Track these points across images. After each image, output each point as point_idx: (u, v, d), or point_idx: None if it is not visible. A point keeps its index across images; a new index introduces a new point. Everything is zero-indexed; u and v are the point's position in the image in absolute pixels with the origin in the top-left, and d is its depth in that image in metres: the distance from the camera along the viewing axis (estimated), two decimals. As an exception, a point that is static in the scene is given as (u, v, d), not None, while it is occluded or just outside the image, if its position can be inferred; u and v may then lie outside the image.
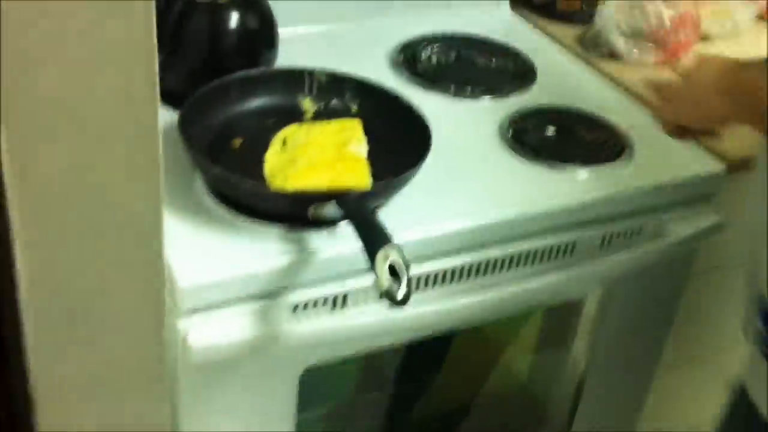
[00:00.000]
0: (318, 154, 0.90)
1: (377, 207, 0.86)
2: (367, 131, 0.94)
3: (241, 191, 0.84)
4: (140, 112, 0.58)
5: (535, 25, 1.33)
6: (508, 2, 1.35)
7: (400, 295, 0.70)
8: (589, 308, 1.06)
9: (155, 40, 0.57)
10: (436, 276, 0.89)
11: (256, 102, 0.99)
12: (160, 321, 0.65)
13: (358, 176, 0.86)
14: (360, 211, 0.80)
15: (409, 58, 1.17)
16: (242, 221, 0.83)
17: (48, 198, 0.59)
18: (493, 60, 1.20)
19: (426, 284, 0.89)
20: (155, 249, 0.63)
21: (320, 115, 0.99)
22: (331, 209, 0.81)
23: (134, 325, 0.65)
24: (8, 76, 0.54)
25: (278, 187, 0.85)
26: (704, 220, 1.02)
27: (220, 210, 0.84)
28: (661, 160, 1.03)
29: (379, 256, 0.72)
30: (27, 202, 0.58)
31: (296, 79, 1.01)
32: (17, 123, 0.56)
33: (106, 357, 0.66)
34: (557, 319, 1.09)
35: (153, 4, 0.57)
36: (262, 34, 1.06)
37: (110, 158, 0.59)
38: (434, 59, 1.19)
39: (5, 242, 0.60)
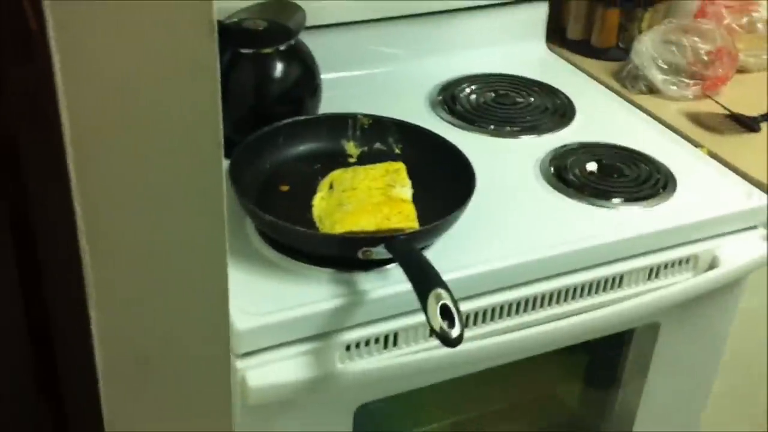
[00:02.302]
0: (365, 197, 0.92)
1: (424, 248, 0.88)
2: (411, 173, 0.96)
3: (292, 237, 0.86)
4: (206, 173, 0.61)
5: (571, 62, 1.35)
6: (543, 40, 1.38)
7: (453, 335, 0.71)
8: (638, 340, 1.06)
9: (220, 105, 0.60)
10: (484, 312, 0.90)
11: (301, 148, 1.01)
12: (227, 367, 0.67)
13: (405, 218, 0.88)
14: (409, 253, 0.81)
15: (448, 99, 1.20)
16: (293, 265, 0.85)
17: (121, 257, 0.61)
18: (532, 98, 1.21)
19: (474, 321, 0.90)
20: (221, 300, 0.66)
21: (365, 159, 1.01)
22: (380, 252, 0.82)
23: (203, 372, 0.67)
24: (81, 149, 0.57)
25: (327, 230, 0.87)
26: (752, 250, 1.02)
27: (272, 254, 0.87)
28: (704, 193, 1.03)
29: (431, 297, 0.74)
30: (101, 263, 0.61)
31: (340, 124, 1.03)
32: (91, 193, 0.59)
33: (177, 402, 0.68)
34: (607, 350, 1.08)
35: (218, 70, 0.59)
36: (306, 82, 1.09)
37: (179, 218, 0.62)
38: (473, 99, 1.21)
39: (82, 300, 0.63)
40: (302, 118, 1.03)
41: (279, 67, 1.05)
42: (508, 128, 1.14)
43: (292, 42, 1.06)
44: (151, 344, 0.65)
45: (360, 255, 0.83)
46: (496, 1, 1.31)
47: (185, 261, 0.63)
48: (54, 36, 0.54)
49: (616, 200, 1.00)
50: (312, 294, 0.82)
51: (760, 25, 1.32)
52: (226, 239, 0.64)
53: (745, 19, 1.32)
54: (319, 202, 0.93)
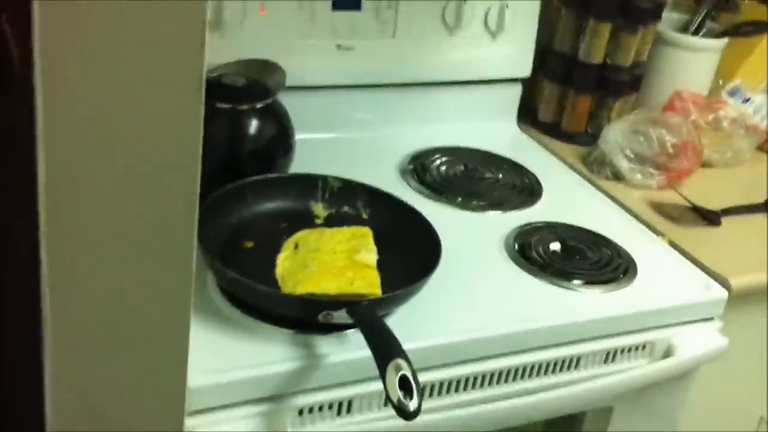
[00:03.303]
0: (329, 259, 0.91)
1: (386, 315, 0.87)
2: (378, 239, 0.96)
3: (253, 295, 0.85)
4: (180, 227, 0.61)
5: (541, 143, 1.37)
6: (515, 119, 1.41)
7: (411, 408, 0.71)
8: (590, 421, 1.05)
9: (200, 159, 0.60)
10: (441, 384, 0.89)
11: (269, 205, 1.01)
12: (180, 426, 0.65)
13: (369, 284, 0.88)
14: (370, 319, 0.81)
15: (419, 169, 1.21)
16: (252, 323, 0.84)
17: (84, 305, 0.60)
18: (500, 174, 1.23)
19: (431, 393, 0.89)
20: (181, 358, 0.64)
21: (332, 221, 1.01)
22: (341, 316, 0.82)
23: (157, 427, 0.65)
24: (54, 191, 0.56)
25: (289, 290, 0.86)
26: (708, 341, 1.03)
27: (231, 311, 0.85)
28: (663, 282, 1.05)
29: (390, 367, 0.73)
30: (62, 309, 0.59)
31: (309, 184, 1.03)
32: (59, 235, 0.58)
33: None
34: (559, 430, 1.08)
35: (201, 126, 0.59)
36: (280, 141, 1.09)
37: (147, 269, 0.61)
38: (443, 170, 1.22)
39: (36, 348, 0.61)
40: (272, 175, 1.03)
41: (254, 124, 1.06)
42: (475, 202, 1.15)
43: (270, 101, 1.07)
44: (106, 399, 0.63)
45: (320, 318, 0.82)
46: (472, 79, 1.34)
47: (149, 314, 0.62)
48: (40, 75, 0.53)
49: (576, 282, 1.01)
50: (269, 354, 0.81)
51: (725, 123, 1.36)
52: (191, 296, 0.63)
53: (711, 116, 1.36)
54: (282, 261, 0.92)
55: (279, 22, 1.17)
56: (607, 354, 0.98)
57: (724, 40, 1.41)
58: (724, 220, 1.20)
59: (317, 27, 1.19)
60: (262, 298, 0.85)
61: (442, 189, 1.17)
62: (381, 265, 0.92)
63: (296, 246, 0.95)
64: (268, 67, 1.15)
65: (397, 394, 0.71)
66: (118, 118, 0.57)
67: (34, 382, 0.61)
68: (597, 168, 1.28)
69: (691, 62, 1.41)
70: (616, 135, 1.27)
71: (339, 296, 0.86)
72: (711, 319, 1.05)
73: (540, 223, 1.12)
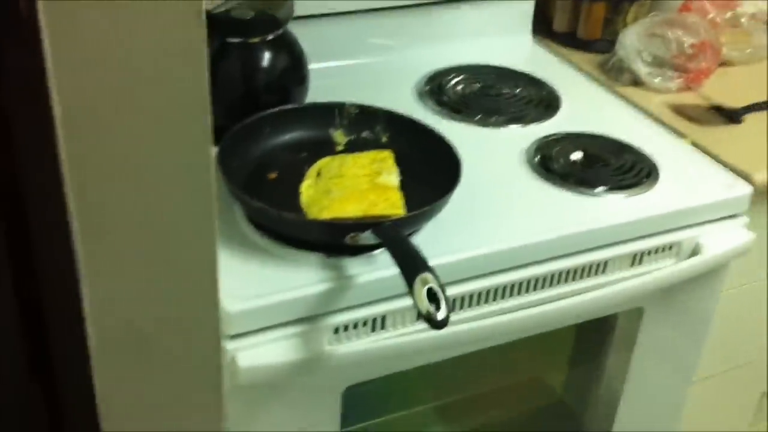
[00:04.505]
0: (352, 184, 0.93)
1: (411, 233, 0.89)
2: (398, 161, 0.97)
3: (281, 222, 0.87)
4: (195, 158, 0.62)
5: (557, 54, 1.36)
6: (530, 32, 1.39)
7: (439, 317, 0.73)
8: (622, 324, 1.07)
9: (208, 93, 0.61)
10: (471, 297, 0.91)
11: (289, 136, 1.02)
12: (217, 348, 0.68)
13: (392, 205, 0.89)
14: (396, 238, 0.82)
15: (436, 89, 1.21)
16: (282, 250, 0.86)
17: (112, 237, 0.62)
18: (518, 89, 1.23)
19: (461, 305, 0.91)
20: (212, 282, 0.66)
21: (352, 147, 1.02)
22: (367, 237, 0.83)
23: (194, 353, 0.68)
24: (71, 131, 0.58)
25: (315, 216, 0.88)
26: (734, 237, 1.04)
27: (261, 240, 0.87)
28: (687, 183, 1.05)
29: (417, 281, 0.75)
30: (92, 242, 0.61)
31: (327, 113, 1.04)
32: (81, 174, 0.59)
33: (169, 382, 0.69)
34: (591, 334, 1.10)
35: (206, 57, 0.60)
36: (293, 71, 1.09)
37: (168, 199, 0.63)
38: (460, 89, 1.22)
39: (74, 277, 0.63)
40: (289, 107, 1.04)
41: (266, 57, 1.06)
42: (494, 118, 1.15)
43: (280, 32, 1.06)
44: (143, 323, 0.66)
45: (348, 240, 0.84)
46: (484, -6, 1.32)
47: (175, 241, 0.64)
48: (45, 23, 0.55)
49: (600, 189, 1.01)
50: (301, 278, 0.83)
51: (743, 20, 1.34)
52: (215, 222, 0.65)
53: (729, 14, 1.33)
54: (306, 189, 0.94)
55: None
56: (634, 257, 0.99)
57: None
58: (746, 117, 1.19)
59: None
60: (289, 225, 0.86)
61: (460, 108, 1.17)
62: (404, 187, 0.94)
63: (319, 173, 0.97)
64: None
65: (425, 305, 0.73)
66: (124, 58, 0.58)
67: (75, 313, 0.64)
68: (615, 75, 1.27)
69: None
70: (632, 40, 1.25)
71: (364, 219, 0.87)
72: (736, 215, 1.06)
73: (560, 134, 1.12)
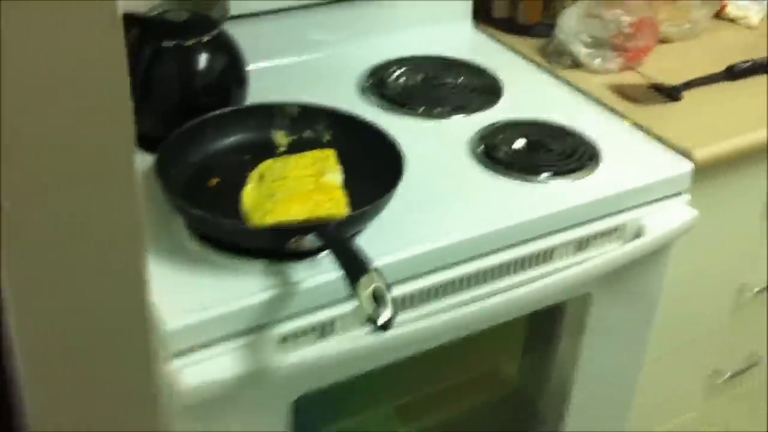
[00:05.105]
0: (295, 186, 0.91)
1: (357, 234, 0.88)
2: (342, 159, 0.96)
3: (221, 230, 0.85)
4: (118, 162, 0.61)
5: (498, 41, 1.36)
6: (470, 20, 1.38)
7: (382, 321, 0.72)
8: (572, 310, 1.08)
9: (129, 91, 0.59)
10: (420, 294, 0.91)
11: (230, 140, 1.01)
12: (152, 367, 0.67)
13: (335, 205, 0.88)
14: (339, 240, 0.81)
15: (377, 83, 1.20)
16: (224, 259, 0.85)
17: (35, 248, 0.60)
18: (460, 78, 1.22)
19: (411, 303, 0.90)
20: (141, 296, 0.65)
21: (294, 148, 1.00)
22: (310, 240, 0.83)
23: (128, 372, 0.67)
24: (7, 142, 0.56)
25: (257, 222, 0.87)
26: (677, 216, 1.05)
27: (202, 249, 0.86)
28: (630, 164, 1.06)
29: (361, 283, 0.74)
30: (17, 256, 0.60)
31: (268, 114, 1.02)
32: (10, 177, 0.58)
33: (103, 400, 0.67)
34: (543, 321, 1.11)
35: (125, 54, 0.59)
36: (231, 73, 1.08)
37: (92, 208, 0.61)
38: (402, 82, 1.21)
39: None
40: (229, 109, 1.02)
41: (203, 59, 1.04)
42: (438, 109, 1.15)
43: (215, 32, 1.05)
44: (71, 340, 0.64)
45: (291, 245, 0.83)
46: (422, -17, 1.31)
47: (100, 252, 0.62)
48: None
49: (544, 175, 1.01)
50: (244, 287, 0.82)
51: (680, -4, 1.35)
52: (142, 231, 0.63)
53: (666, -10, 1.34)
54: (249, 194, 0.92)
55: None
56: (580, 242, 1.00)
57: None
58: (686, 93, 1.20)
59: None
60: (230, 232, 0.85)
61: (403, 101, 1.16)
62: (349, 185, 0.92)
63: (261, 177, 0.95)
64: (210, -2, 1.12)
65: (368, 308, 0.73)
66: (41, 64, 0.56)
67: None
68: (556, 58, 1.27)
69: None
70: (571, 22, 1.25)
71: (309, 221, 0.86)
72: (679, 194, 1.07)
73: (503, 121, 1.12)
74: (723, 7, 1.43)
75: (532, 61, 1.29)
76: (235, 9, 1.11)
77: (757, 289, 1.34)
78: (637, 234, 1.02)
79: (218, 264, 0.84)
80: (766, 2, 1.46)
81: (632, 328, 1.13)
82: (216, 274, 0.83)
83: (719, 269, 1.28)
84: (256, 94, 1.09)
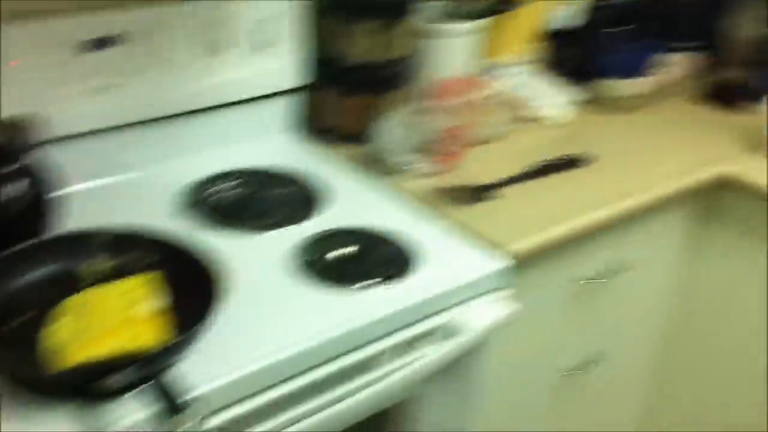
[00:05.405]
0: (103, 321, 0.89)
1: (173, 364, 0.86)
2: (170, 281, 0.94)
3: (20, 377, 0.81)
4: None
5: (323, 150, 1.38)
6: (295, 131, 1.41)
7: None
8: (396, 416, 1.09)
9: None
10: (249, 416, 0.89)
11: (38, 272, 0.96)
12: None
13: (145, 338, 0.86)
14: (145, 378, 0.79)
15: (200, 200, 1.19)
16: (30, 406, 0.80)
17: None
18: (283, 190, 1.23)
19: (246, 423, 0.89)
20: None
21: (109, 276, 0.97)
22: (119, 379, 0.80)
23: None
24: None
25: (66, 362, 0.83)
26: (495, 311, 1.08)
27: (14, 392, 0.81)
28: (449, 264, 1.09)
29: (175, 421, 0.72)
30: None
31: (80, 242, 0.99)
32: None
33: None
34: (377, 426, 1.11)
35: None
36: (40, 201, 1.04)
37: None
38: (225, 197, 1.21)
39: None
40: (34, 242, 0.98)
41: (7, 191, 1.00)
42: (261, 223, 1.15)
43: (17, 164, 1.01)
44: None
45: (98, 388, 0.80)
46: (243, 98, 1.33)
47: None
48: None
49: (360, 284, 1.03)
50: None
51: (486, 100, 1.43)
52: None
53: (474, 96, 1.42)
54: (55, 332, 0.88)
55: (32, 73, 1.11)
56: (400, 347, 1.01)
57: (481, 21, 1.46)
58: (500, 192, 1.26)
59: (69, 72, 1.14)
60: (28, 378, 0.81)
61: (226, 216, 1.16)
62: (179, 306, 0.91)
63: (71, 312, 0.92)
64: (17, 124, 1.09)
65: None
66: None
67: None
68: (377, 165, 1.32)
69: (452, 48, 1.45)
70: (388, 130, 1.30)
71: (120, 357, 0.83)
72: (499, 289, 1.11)
73: (325, 231, 1.13)
74: (528, 110, 1.53)
75: (355, 168, 1.33)
76: (51, 131, 1.09)
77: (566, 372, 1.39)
78: (455, 333, 1.05)
79: (26, 413, 0.79)
80: (567, 99, 1.58)
81: (460, 422, 1.14)
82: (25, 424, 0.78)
83: (544, 355, 1.32)
84: (74, 217, 1.05)
